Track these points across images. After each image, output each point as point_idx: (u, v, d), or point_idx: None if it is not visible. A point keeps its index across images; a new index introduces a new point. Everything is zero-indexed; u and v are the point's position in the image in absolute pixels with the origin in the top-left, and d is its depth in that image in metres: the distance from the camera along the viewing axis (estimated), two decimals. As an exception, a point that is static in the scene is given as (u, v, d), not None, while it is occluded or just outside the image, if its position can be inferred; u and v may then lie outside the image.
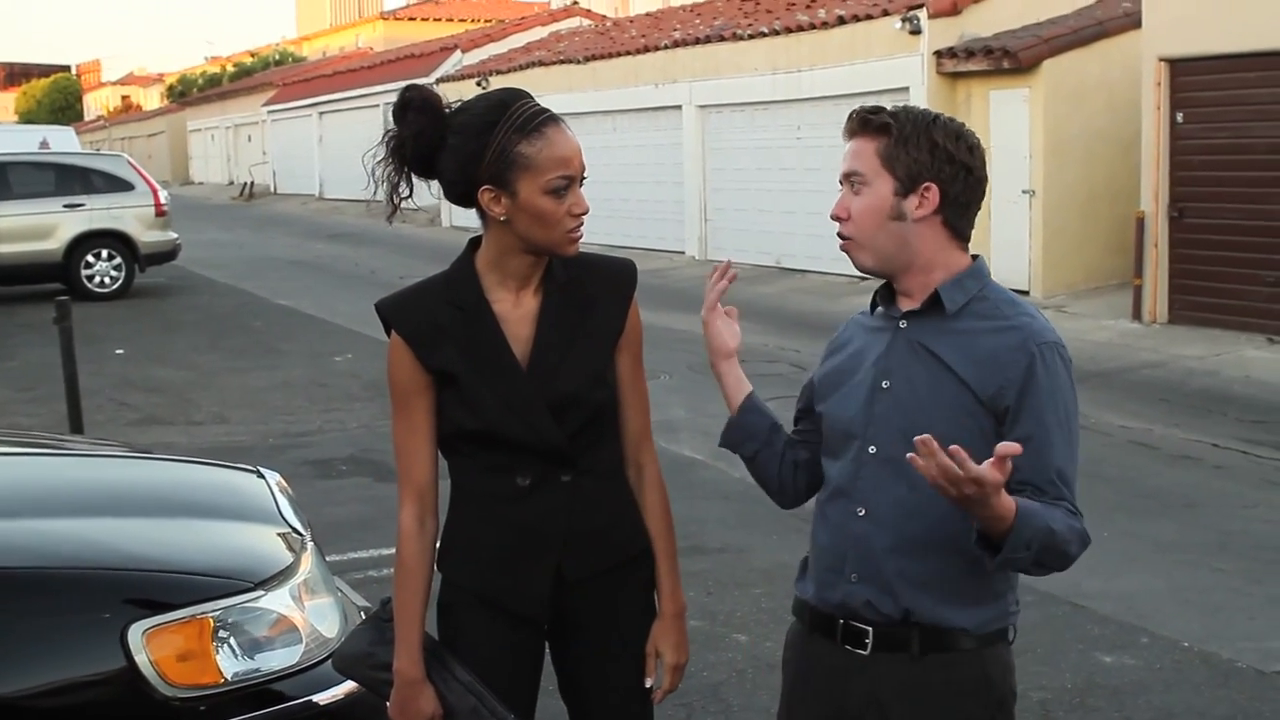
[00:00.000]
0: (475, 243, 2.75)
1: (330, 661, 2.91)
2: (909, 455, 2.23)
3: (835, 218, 2.55)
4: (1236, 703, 4.90)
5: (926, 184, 2.47)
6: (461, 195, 2.67)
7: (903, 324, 2.55)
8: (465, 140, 2.61)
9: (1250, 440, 8.94)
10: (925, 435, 2.19)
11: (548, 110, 2.65)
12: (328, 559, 5.04)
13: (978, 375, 2.45)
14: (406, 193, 2.76)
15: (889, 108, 2.51)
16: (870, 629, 2.53)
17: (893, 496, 2.51)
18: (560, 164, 2.60)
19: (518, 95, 2.66)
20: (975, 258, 2.57)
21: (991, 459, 2.18)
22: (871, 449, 2.54)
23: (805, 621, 2.67)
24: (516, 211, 2.61)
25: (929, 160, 2.47)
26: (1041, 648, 5.29)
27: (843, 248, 2.57)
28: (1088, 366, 11.54)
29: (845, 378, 2.63)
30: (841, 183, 2.55)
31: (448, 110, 2.68)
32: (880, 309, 2.62)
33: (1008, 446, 2.18)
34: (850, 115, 2.54)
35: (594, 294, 2.76)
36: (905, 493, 2.49)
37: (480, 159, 2.60)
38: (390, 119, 2.73)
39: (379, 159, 2.72)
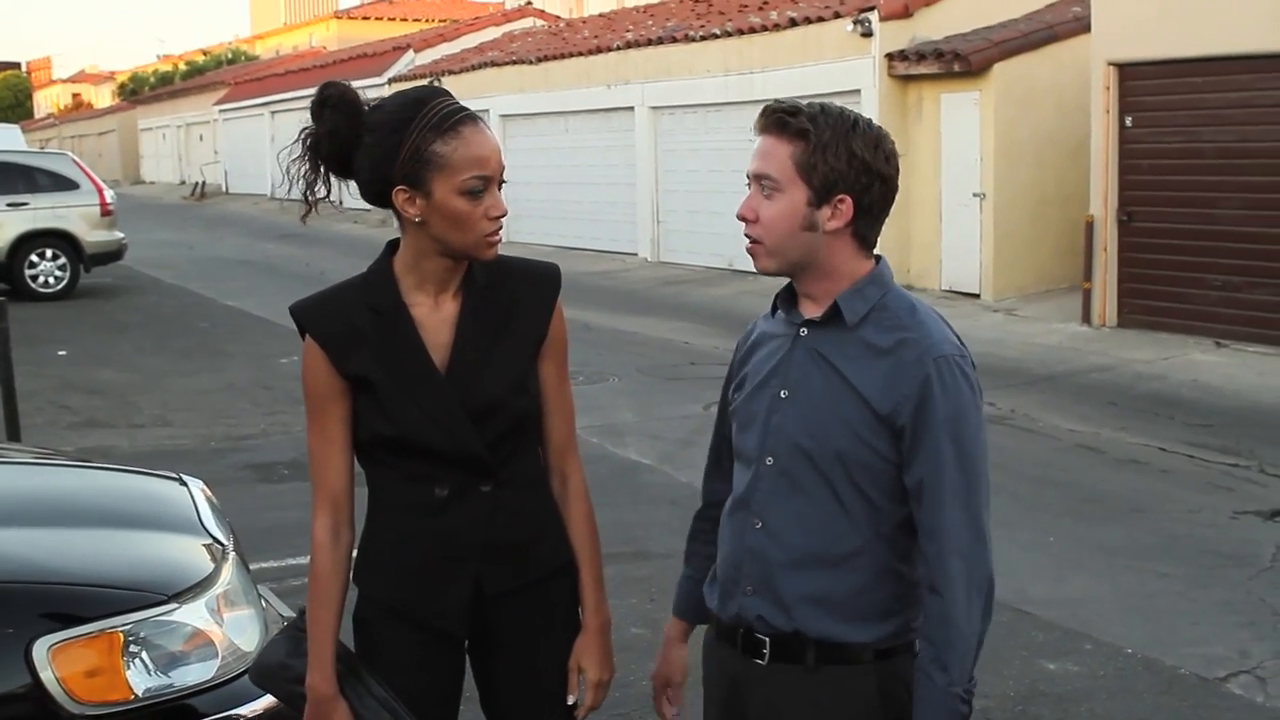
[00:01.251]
0: (394, 245, 2.66)
1: (247, 674, 2.81)
2: None
3: (742, 218, 2.45)
4: (1179, 710, 4.87)
5: (841, 196, 2.38)
6: (376, 195, 2.57)
7: (803, 331, 2.48)
8: (380, 138, 2.51)
9: (1197, 444, 8.95)
10: None
11: (465, 109, 2.55)
12: (265, 565, 4.95)
13: (875, 390, 2.38)
14: (323, 192, 2.66)
15: (807, 109, 2.40)
16: (767, 639, 2.48)
17: (788, 510, 2.45)
18: (475, 164, 2.50)
19: (435, 93, 2.56)
20: (878, 260, 2.50)
21: None
22: (769, 460, 2.47)
23: (712, 629, 2.64)
24: (431, 213, 2.52)
25: (846, 170, 2.37)
26: (984, 655, 5.16)
27: (748, 250, 2.48)
28: (1037, 370, 11.55)
29: (748, 384, 2.56)
30: (750, 181, 2.45)
31: (366, 108, 2.58)
32: (781, 313, 2.55)
33: None
34: (765, 110, 2.43)
35: (516, 298, 2.66)
36: (801, 507, 2.43)
37: (394, 158, 2.50)
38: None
39: (294, 157, 2.62)
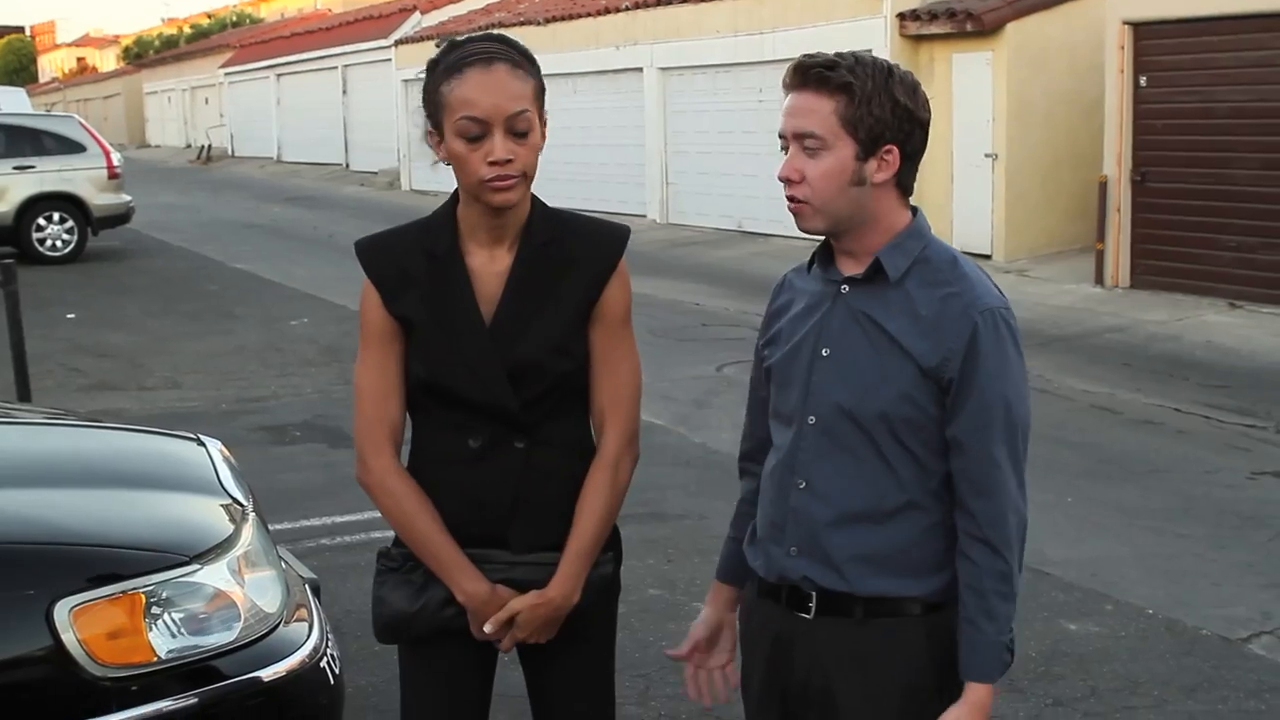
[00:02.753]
0: (459, 194, 2.64)
1: (375, 637, 2.74)
2: None
3: (785, 179, 2.39)
4: (1201, 670, 4.84)
5: (888, 146, 2.34)
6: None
7: (844, 289, 2.43)
8: (427, 79, 2.55)
9: (1212, 405, 8.90)
10: None
11: (491, 52, 2.50)
12: (279, 527, 4.93)
13: (921, 345, 2.34)
14: (438, 139, 2.57)
15: (844, 60, 2.34)
16: (814, 593, 2.45)
17: (833, 469, 2.41)
18: (464, 104, 2.45)
19: (476, 37, 2.56)
20: (914, 211, 2.45)
21: None
22: (811, 419, 2.43)
23: (754, 588, 2.60)
24: (449, 156, 2.51)
25: (891, 120, 2.33)
26: (1005, 616, 5.21)
27: (793, 210, 2.41)
28: (1050, 331, 11.49)
29: (786, 343, 2.50)
30: (788, 141, 2.38)
31: None
32: (818, 270, 2.49)
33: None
34: (798, 66, 2.36)
35: (575, 257, 2.61)
36: (845, 466, 2.40)
37: (428, 99, 2.53)
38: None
39: (415, 109, 2.65)
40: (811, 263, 2.50)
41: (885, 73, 2.35)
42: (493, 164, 2.46)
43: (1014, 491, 2.36)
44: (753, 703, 2.62)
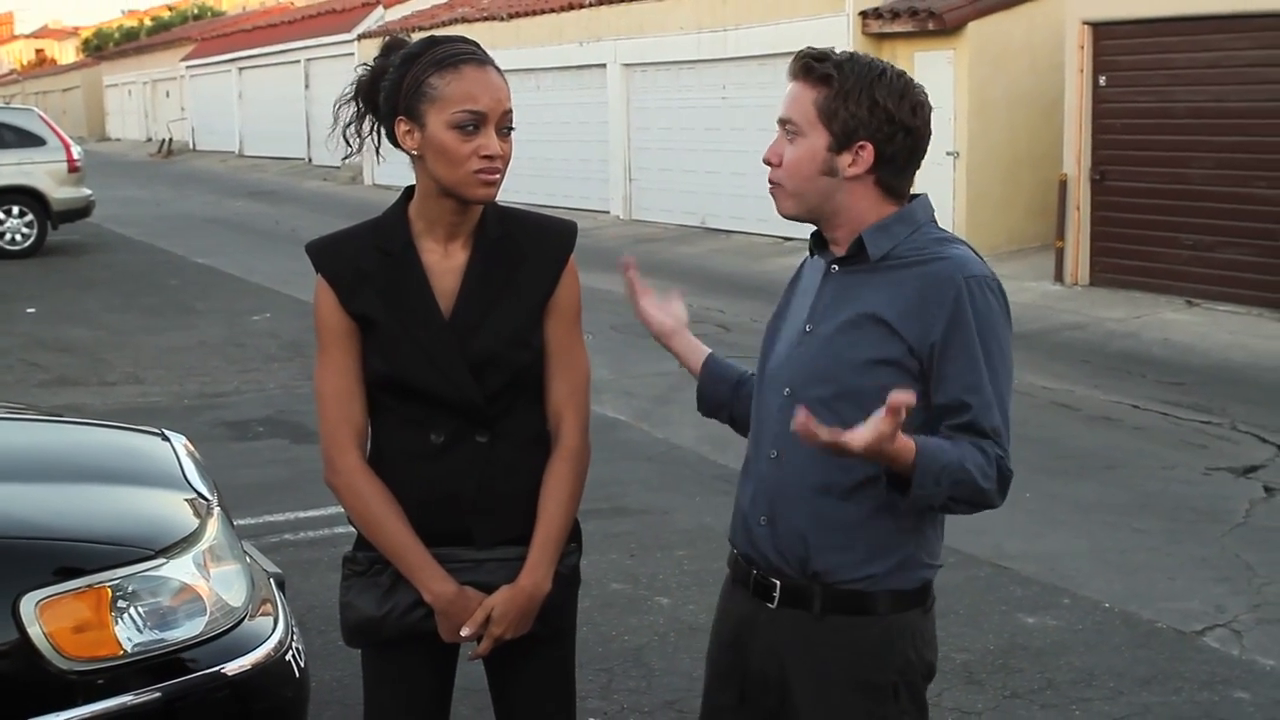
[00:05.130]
0: (410, 191, 2.68)
1: (344, 641, 2.76)
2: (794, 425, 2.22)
3: (767, 161, 2.49)
4: (1156, 663, 4.91)
5: (861, 142, 2.40)
6: (389, 131, 2.62)
7: (834, 268, 2.51)
8: (394, 71, 2.58)
9: (1169, 402, 9.01)
10: (801, 422, 2.20)
11: (479, 54, 2.57)
12: (242, 523, 4.93)
13: (905, 319, 2.39)
14: (368, 130, 2.69)
15: (835, 55, 2.43)
16: (778, 583, 2.50)
17: (800, 440, 2.44)
18: (466, 99, 2.51)
19: (456, 38, 2.61)
20: (915, 198, 2.51)
21: (882, 412, 2.17)
22: (786, 391, 2.50)
23: (730, 570, 2.67)
24: (426, 147, 2.54)
25: (867, 118, 2.39)
26: (964, 609, 5.28)
27: (770, 192, 2.50)
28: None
29: (782, 317, 2.61)
30: (779, 125, 2.47)
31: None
32: (815, 254, 2.57)
33: (900, 397, 2.16)
34: (796, 56, 2.46)
35: (526, 252, 2.66)
36: None
37: (399, 88, 2.55)
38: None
39: (344, 99, 2.70)
40: (811, 249, 2.57)
41: (874, 73, 2.41)
42: (485, 158, 2.52)
43: (1005, 441, 2.41)
44: (713, 677, 2.68)
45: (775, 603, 2.51)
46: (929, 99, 2.47)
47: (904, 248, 2.44)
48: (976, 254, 2.49)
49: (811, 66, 2.42)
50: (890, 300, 2.41)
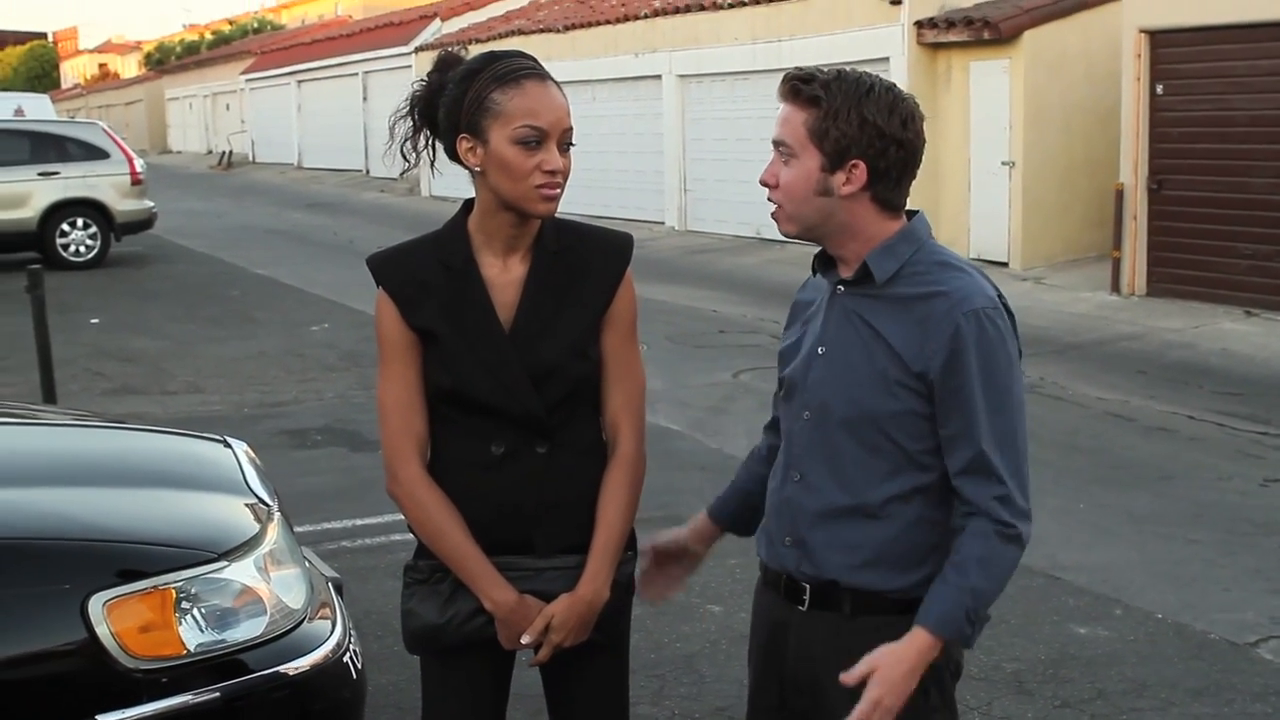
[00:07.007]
0: (470, 204, 2.73)
1: (406, 648, 2.82)
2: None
3: (764, 183, 2.52)
4: (1209, 675, 4.90)
5: (854, 161, 2.43)
6: (449, 147, 2.66)
7: (839, 289, 2.54)
8: (453, 87, 2.61)
9: (1225, 412, 8.95)
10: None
11: (539, 69, 2.62)
12: (300, 529, 5.02)
13: (907, 345, 2.43)
14: (424, 145, 2.73)
15: (821, 75, 2.45)
16: (808, 586, 2.55)
17: (824, 463, 2.52)
18: (528, 114, 2.55)
19: (515, 53, 2.65)
20: (913, 215, 2.54)
21: None
22: (805, 414, 2.55)
23: (761, 573, 2.72)
24: (489, 162, 2.59)
25: (857, 135, 2.41)
26: (1016, 619, 5.28)
27: (772, 214, 2.54)
28: (1066, 338, 11.55)
29: (794, 338, 2.65)
30: (774, 147, 2.51)
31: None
32: (819, 275, 2.60)
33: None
34: (784, 79, 2.48)
35: (585, 265, 2.71)
36: (835, 460, 2.50)
37: (460, 105, 2.59)
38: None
39: (401, 115, 2.74)
40: (814, 269, 2.60)
41: (862, 90, 2.42)
42: (547, 172, 2.57)
43: (1007, 481, 2.42)
44: (754, 682, 2.74)
45: (806, 605, 2.56)
46: (920, 109, 2.49)
47: (909, 269, 2.47)
48: (980, 274, 2.50)
49: (799, 88, 2.44)
50: (895, 327, 2.45)
